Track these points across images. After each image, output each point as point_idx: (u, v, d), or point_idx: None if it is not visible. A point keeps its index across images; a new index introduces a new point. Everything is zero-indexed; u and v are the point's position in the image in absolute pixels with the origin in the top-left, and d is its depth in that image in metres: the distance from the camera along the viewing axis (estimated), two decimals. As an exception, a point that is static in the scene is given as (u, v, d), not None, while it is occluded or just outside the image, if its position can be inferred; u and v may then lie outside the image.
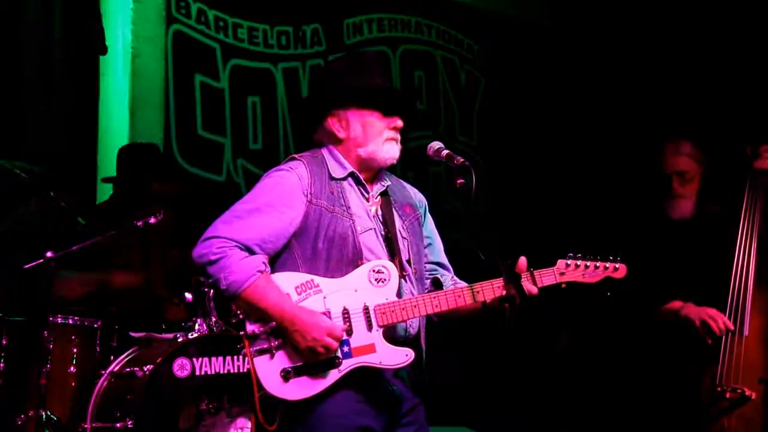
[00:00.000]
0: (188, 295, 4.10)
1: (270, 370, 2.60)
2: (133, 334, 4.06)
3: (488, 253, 2.62)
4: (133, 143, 4.81)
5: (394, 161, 2.81)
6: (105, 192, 4.83)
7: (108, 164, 4.77)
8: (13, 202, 4.01)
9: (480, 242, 2.64)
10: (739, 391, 3.51)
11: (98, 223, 4.30)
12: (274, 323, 2.60)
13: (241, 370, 3.88)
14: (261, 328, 2.61)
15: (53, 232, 4.14)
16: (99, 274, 4.22)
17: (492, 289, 2.70)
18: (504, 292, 2.62)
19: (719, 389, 3.52)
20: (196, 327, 3.99)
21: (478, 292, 2.71)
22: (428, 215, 2.99)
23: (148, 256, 4.47)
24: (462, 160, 2.70)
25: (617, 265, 2.86)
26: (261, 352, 2.61)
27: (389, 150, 2.78)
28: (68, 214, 3.97)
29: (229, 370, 3.86)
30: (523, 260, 2.76)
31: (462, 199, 2.70)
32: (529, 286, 2.72)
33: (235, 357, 3.87)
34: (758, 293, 3.60)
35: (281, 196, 2.69)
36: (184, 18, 5.29)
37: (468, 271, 2.91)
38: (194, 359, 3.81)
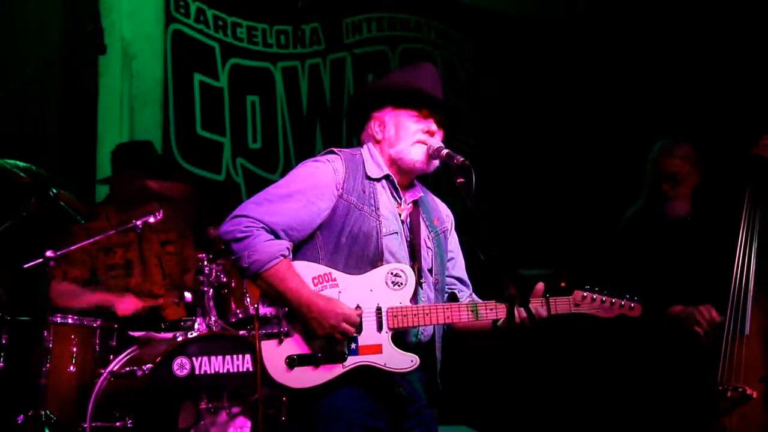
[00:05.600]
0: (188, 295, 4.10)
1: (275, 356, 2.62)
2: (132, 333, 4.06)
3: (488, 253, 2.63)
4: (126, 142, 4.81)
5: (424, 167, 2.81)
6: (103, 192, 4.82)
7: (107, 164, 4.76)
8: (13, 202, 4.00)
9: (480, 242, 2.64)
10: (740, 390, 3.52)
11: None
12: (287, 309, 2.63)
13: (240, 370, 3.88)
14: (273, 312, 2.64)
15: (53, 231, 4.14)
16: (105, 298, 4.22)
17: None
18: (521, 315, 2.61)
19: (720, 388, 3.52)
20: (196, 326, 3.99)
21: (492, 309, 2.72)
22: (454, 231, 3.00)
23: (145, 256, 4.47)
24: (461, 159, 2.71)
25: (633, 305, 2.85)
26: (270, 336, 2.63)
27: (417, 153, 2.79)
28: (68, 214, 3.96)
29: (228, 370, 3.85)
30: (540, 286, 2.78)
31: (461, 198, 2.71)
32: (540, 310, 2.73)
33: (235, 356, 3.87)
34: (759, 292, 3.60)
35: (314, 186, 2.71)
36: (183, 17, 5.29)
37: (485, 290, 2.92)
38: (194, 358, 3.81)
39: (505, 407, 5.14)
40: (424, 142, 2.79)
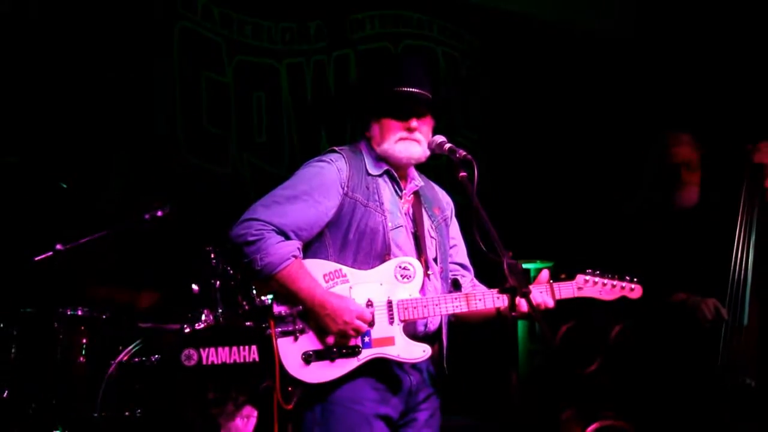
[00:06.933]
0: (195, 287, 4.16)
1: (292, 352, 2.69)
2: (141, 324, 4.12)
3: (489, 245, 2.69)
4: None
5: (412, 158, 2.88)
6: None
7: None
8: (18, 196, 4.06)
9: (481, 234, 2.70)
10: (739, 379, 3.56)
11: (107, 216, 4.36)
12: (300, 307, 2.70)
13: (246, 360, 3.93)
14: (288, 311, 2.71)
15: (63, 224, 4.20)
16: (128, 294, 4.28)
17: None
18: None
19: (720, 377, 3.56)
20: (203, 318, 4.04)
21: (498, 298, 2.79)
22: (454, 218, 3.08)
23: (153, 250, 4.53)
24: (464, 153, 2.77)
25: (633, 286, 2.93)
26: (285, 333, 2.70)
27: (402, 149, 2.85)
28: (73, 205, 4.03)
29: (235, 360, 3.90)
30: (545, 273, 2.86)
31: (463, 192, 2.77)
32: (546, 299, 2.81)
33: (241, 347, 3.92)
34: (757, 284, 3.64)
35: (319, 186, 2.78)
36: (190, 14, 5.34)
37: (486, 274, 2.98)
38: (201, 349, 3.86)
39: (503, 397, 5.17)
40: (406, 139, 2.86)
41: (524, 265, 4.47)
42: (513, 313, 2.63)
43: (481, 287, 2.97)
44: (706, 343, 3.64)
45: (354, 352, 2.70)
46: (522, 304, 2.62)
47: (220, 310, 4.09)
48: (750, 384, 3.57)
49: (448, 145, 2.83)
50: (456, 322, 2.95)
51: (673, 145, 3.90)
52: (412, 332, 2.78)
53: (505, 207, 5.85)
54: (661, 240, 3.82)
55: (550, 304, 2.81)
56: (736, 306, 3.61)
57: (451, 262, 3.01)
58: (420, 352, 2.74)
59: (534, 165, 6.32)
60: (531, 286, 2.78)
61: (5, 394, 3.89)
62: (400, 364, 2.76)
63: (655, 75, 5.73)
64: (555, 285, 2.84)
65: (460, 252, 3.07)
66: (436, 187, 3.10)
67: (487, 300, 2.78)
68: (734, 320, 3.60)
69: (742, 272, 3.63)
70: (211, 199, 4.94)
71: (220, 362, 3.88)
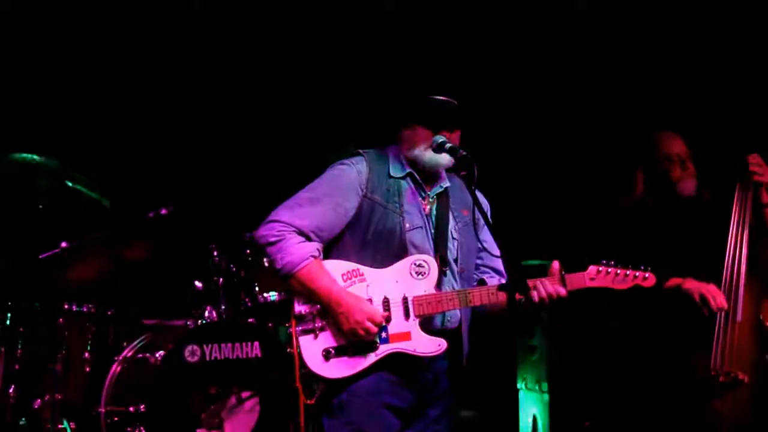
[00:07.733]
0: (198, 284, 4.21)
1: (313, 349, 2.79)
2: (145, 321, 4.17)
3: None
4: None
5: (440, 166, 2.93)
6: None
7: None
8: (31, 193, 4.11)
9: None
10: (732, 375, 3.59)
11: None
12: (320, 306, 2.79)
13: (249, 356, 3.98)
14: (308, 310, 2.80)
15: (68, 222, 4.25)
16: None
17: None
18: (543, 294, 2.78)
19: (713, 373, 3.60)
20: (206, 314, 4.10)
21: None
22: (489, 220, 3.06)
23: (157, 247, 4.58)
24: (464, 153, 2.82)
25: (647, 275, 2.94)
26: (306, 331, 2.79)
27: (431, 158, 2.91)
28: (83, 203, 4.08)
29: (238, 356, 3.96)
30: (556, 264, 2.90)
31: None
32: (558, 289, 2.85)
33: (244, 343, 3.98)
34: (750, 280, 3.69)
35: (339, 189, 2.87)
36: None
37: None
38: (204, 345, 3.92)
39: (503, 389, 5.22)
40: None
41: (524, 263, 4.52)
42: (511, 308, 2.69)
43: None
44: (699, 339, 3.67)
45: (371, 347, 2.79)
46: (526, 299, 2.69)
47: (222, 307, 4.14)
48: (742, 380, 3.61)
49: (448, 145, 2.88)
50: (479, 314, 2.99)
51: (667, 141, 3.94)
52: (430, 327, 2.85)
53: (505, 205, 5.89)
54: (661, 227, 3.84)
55: (563, 292, 2.85)
56: (730, 303, 3.64)
57: (482, 265, 3.06)
58: (435, 346, 2.82)
59: (534, 161, 6.35)
60: (544, 278, 2.85)
61: (12, 390, 3.94)
62: (419, 360, 2.83)
63: (650, 73, 5.76)
64: (567, 276, 2.88)
65: (491, 255, 3.05)
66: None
67: (501, 294, 2.81)
68: (728, 316, 3.64)
69: (736, 269, 3.67)
70: (214, 197, 4.97)
71: (222, 358, 3.94)
